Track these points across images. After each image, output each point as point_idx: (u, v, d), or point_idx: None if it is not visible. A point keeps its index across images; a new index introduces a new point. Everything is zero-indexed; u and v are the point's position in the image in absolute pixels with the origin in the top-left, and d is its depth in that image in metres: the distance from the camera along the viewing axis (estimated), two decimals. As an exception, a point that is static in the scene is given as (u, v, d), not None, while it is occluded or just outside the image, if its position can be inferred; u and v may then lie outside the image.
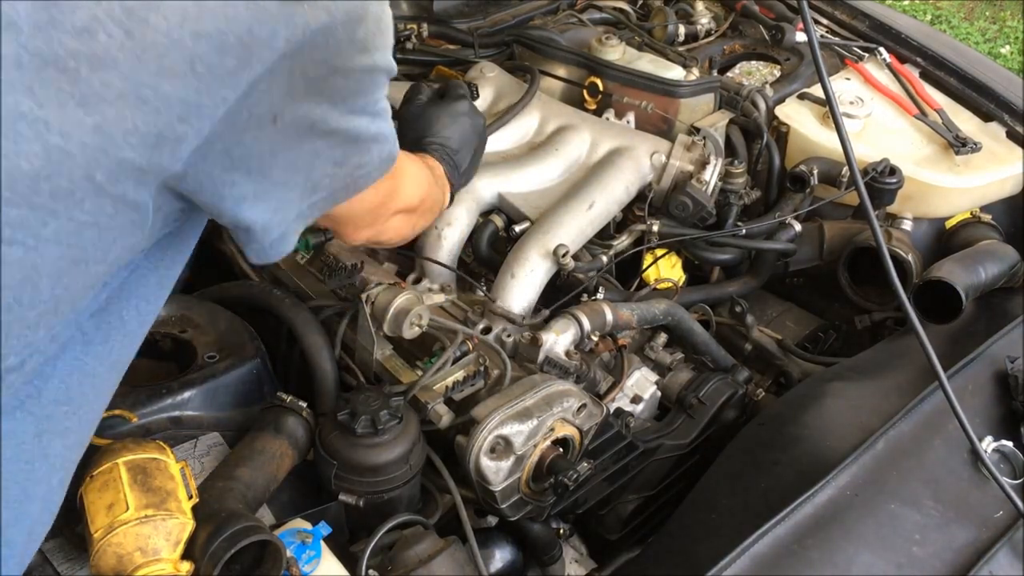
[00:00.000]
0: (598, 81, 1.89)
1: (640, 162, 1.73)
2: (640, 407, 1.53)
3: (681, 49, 2.14)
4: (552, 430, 1.28)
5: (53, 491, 0.93)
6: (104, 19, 0.71)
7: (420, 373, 1.34)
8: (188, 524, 1.03)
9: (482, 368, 1.37)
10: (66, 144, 0.73)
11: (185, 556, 1.02)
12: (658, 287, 1.71)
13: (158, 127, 0.75)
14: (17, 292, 0.76)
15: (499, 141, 1.76)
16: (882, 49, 2.09)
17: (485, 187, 1.63)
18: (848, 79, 2.02)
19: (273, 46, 0.77)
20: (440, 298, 1.49)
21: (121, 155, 0.75)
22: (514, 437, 1.24)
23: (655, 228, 1.67)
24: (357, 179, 0.98)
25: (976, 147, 1.83)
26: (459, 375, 1.35)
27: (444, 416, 1.30)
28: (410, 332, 1.34)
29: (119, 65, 0.72)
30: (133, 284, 0.91)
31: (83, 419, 0.95)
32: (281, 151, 0.85)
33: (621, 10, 2.27)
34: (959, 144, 1.83)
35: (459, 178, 1.46)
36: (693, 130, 1.80)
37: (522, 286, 1.52)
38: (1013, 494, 1.26)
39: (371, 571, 1.15)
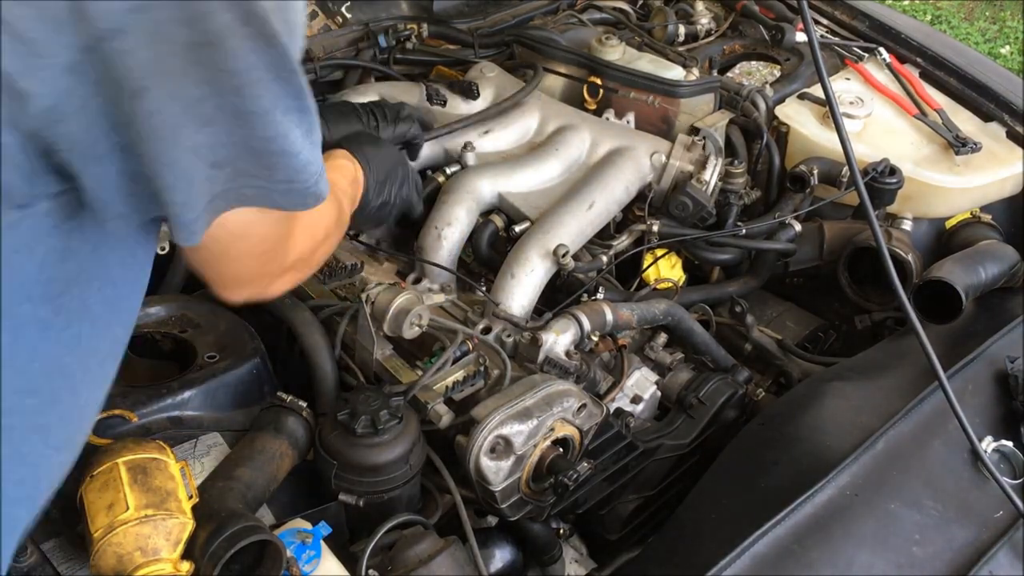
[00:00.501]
0: (598, 81, 1.89)
1: (640, 162, 1.73)
2: (640, 407, 1.53)
3: (681, 49, 2.14)
4: (552, 430, 1.28)
5: (42, 494, 0.89)
6: None
7: (420, 373, 1.34)
8: (188, 524, 1.03)
9: (482, 368, 1.37)
10: None
11: (185, 556, 1.02)
12: (658, 287, 1.71)
13: (11, 68, 0.70)
14: None
15: (499, 141, 1.76)
16: (882, 49, 2.09)
17: (485, 187, 1.63)
18: (848, 79, 2.02)
19: None
20: (440, 298, 1.49)
21: None
22: (514, 437, 1.24)
23: (655, 228, 1.67)
24: (243, 191, 0.84)
25: (976, 147, 1.83)
26: (459, 375, 1.35)
27: (444, 416, 1.30)
28: (410, 332, 1.34)
29: None
30: (93, 266, 0.86)
31: (64, 415, 0.90)
32: (157, 134, 0.75)
33: (621, 10, 2.27)
34: (959, 144, 1.83)
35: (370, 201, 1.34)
36: (693, 130, 1.80)
37: (522, 286, 1.52)
38: (1013, 494, 1.26)
39: (371, 571, 1.15)
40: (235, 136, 0.80)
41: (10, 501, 0.85)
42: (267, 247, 0.95)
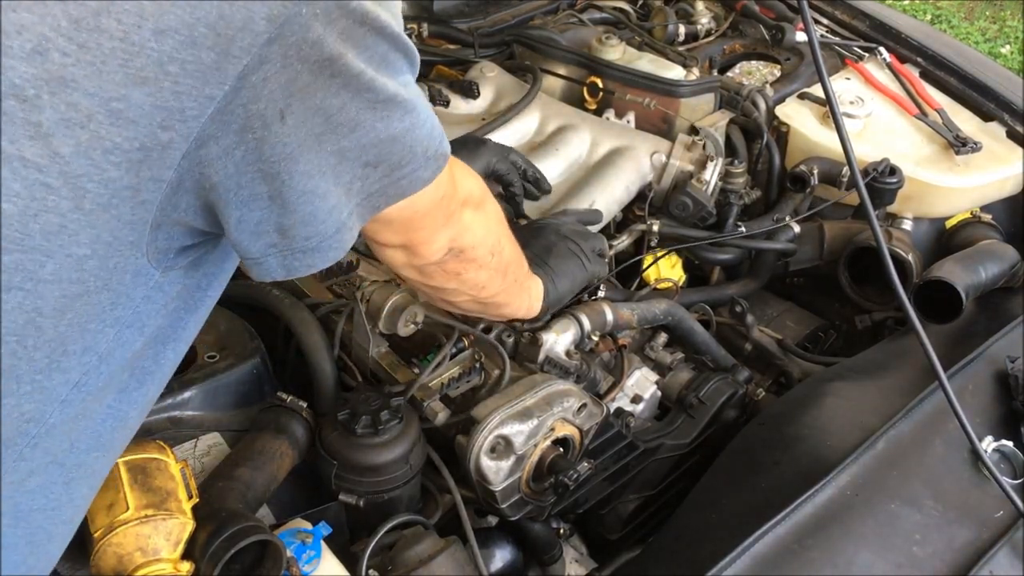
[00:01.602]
0: (598, 81, 1.89)
1: (640, 162, 1.73)
2: (640, 407, 1.53)
3: (681, 49, 2.14)
4: (552, 430, 1.28)
5: (73, 529, 0.93)
6: (52, 36, 0.65)
7: (416, 371, 1.34)
8: (188, 524, 1.03)
9: (478, 364, 1.37)
10: (45, 177, 0.68)
11: (185, 556, 1.02)
12: (658, 287, 1.71)
13: (139, 140, 0.69)
14: (20, 336, 0.72)
15: (499, 141, 1.76)
16: (882, 49, 2.09)
17: (485, 187, 1.63)
18: (848, 79, 2.02)
19: (253, 29, 0.68)
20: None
21: (107, 176, 0.70)
22: (514, 437, 1.24)
23: (655, 228, 1.67)
24: (400, 182, 0.84)
25: (976, 147, 1.83)
26: (455, 371, 1.35)
27: (440, 413, 1.30)
28: (405, 330, 1.34)
29: (80, 83, 0.66)
30: (170, 329, 0.88)
31: (111, 459, 0.94)
32: (299, 153, 0.75)
33: (621, 10, 2.27)
34: (959, 144, 1.83)
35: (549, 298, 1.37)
36: (693, 130, 1.80)
37: (522, 286, 1.52)
38: (1013, 494, 1.26)
39: (371, 571, 1.15)
40: (379, 132, 0.79)
41: (60, 539, 0.90)
42: (431, 202, 0.94)
